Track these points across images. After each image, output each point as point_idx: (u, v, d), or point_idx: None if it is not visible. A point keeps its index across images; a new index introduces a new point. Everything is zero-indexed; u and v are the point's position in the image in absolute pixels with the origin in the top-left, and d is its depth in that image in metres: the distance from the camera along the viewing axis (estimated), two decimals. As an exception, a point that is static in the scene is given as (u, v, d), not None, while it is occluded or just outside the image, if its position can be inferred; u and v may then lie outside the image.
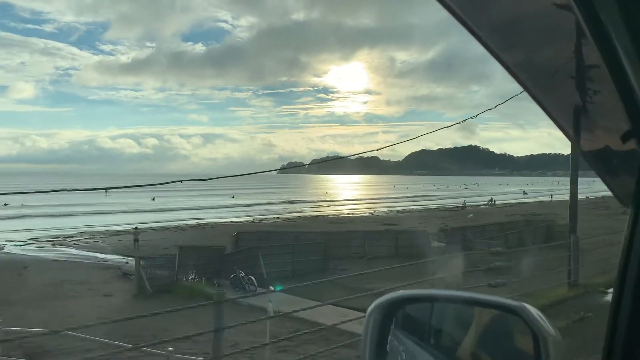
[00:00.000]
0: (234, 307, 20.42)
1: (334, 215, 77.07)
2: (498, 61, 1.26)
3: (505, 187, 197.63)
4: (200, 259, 26.50)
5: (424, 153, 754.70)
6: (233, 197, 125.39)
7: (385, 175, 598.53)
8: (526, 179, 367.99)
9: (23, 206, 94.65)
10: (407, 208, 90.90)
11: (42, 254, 39.95)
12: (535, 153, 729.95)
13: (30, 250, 42.29)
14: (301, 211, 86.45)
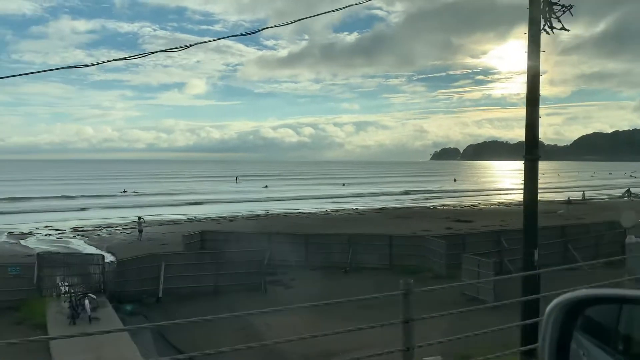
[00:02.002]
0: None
1: (422, 207, 67.32)
2: None
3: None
4: (70, 269, 20.74)
5: (595, 136, 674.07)
6: (344, 184, 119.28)
7: (550, 161, 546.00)
8: None
9: (135, 193, 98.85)
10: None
11: (42, 246, 37.70)
12: None
13: (41, 242, 40.63)
14: (399, 202, 77.55)
